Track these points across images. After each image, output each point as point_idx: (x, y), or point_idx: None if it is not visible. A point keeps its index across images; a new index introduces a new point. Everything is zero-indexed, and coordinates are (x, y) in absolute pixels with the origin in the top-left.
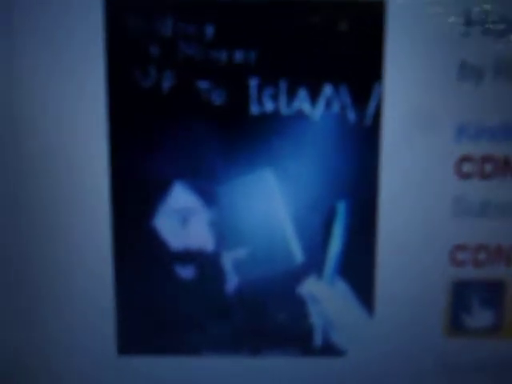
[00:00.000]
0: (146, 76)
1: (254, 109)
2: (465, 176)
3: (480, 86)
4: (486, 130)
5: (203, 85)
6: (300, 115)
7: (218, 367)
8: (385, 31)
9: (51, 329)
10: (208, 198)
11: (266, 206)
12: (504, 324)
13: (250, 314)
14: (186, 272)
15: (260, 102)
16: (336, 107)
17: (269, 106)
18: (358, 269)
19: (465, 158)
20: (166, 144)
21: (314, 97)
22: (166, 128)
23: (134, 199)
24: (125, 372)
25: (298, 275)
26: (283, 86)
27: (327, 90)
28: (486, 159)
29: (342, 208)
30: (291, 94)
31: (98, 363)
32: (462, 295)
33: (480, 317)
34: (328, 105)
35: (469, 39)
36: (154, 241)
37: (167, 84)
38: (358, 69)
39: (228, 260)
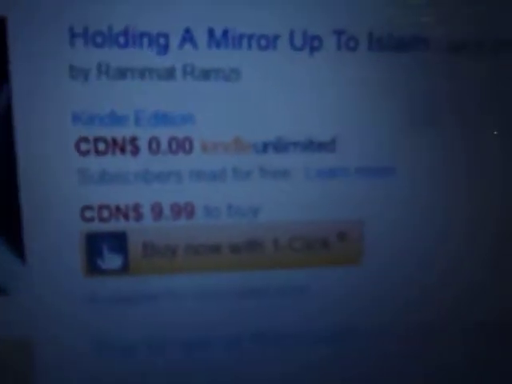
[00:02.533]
0: None
1: None
2: (84, 153)
3: (87, 84)
4: (96, 117)
5: None
6: None
7: None
8: (8, 42)
9: None
10: None
11: None
12: (130, 264)
13: None
14: None
15: None
16: None
17: None
18: (8, 228)
19: (82, 139)
20: None
21: None
22: None
23: None
24: None
25: None
26: None
27: None
28: (98, 140)
29: None
30: None
31: None
32: (94, 244)
33: (111, 260)
34: None
35: (75, 47)
36: None
37: None
38: None
39: None
